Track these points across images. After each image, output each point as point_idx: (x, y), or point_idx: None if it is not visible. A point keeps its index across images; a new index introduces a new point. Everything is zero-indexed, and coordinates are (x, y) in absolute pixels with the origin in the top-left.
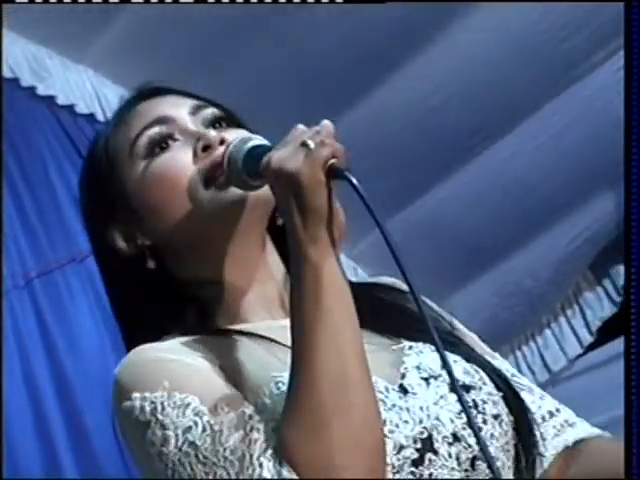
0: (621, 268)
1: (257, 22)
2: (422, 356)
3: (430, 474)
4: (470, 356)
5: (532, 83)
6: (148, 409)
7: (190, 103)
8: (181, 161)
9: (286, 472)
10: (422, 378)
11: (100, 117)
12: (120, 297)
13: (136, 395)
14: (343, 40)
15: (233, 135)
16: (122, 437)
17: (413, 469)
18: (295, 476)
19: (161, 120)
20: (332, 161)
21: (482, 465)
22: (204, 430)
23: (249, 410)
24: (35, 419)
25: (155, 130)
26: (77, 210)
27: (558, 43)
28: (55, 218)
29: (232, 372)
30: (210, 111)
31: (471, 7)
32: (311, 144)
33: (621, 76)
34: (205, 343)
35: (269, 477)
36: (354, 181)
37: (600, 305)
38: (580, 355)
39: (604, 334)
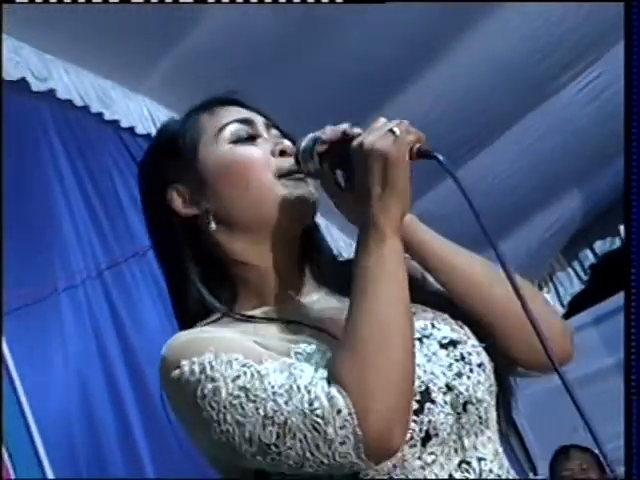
0: (587, 252)
1: (291, 42)
2: (417, 315)
3: (429, 420)
4: (456, 313)
5: (512, 100)
6: (197, 369)
7: (262, 119)
8: (264, 154)
9: (335, 391)
10: (416, 339)
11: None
12: (166, 257)
13: (184, 362)
14: (358, 61)
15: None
16: (173, 407)
17: (415, 417)
18: (343, 394)
19: (248, 121)
20: (418, 145)
21: (472, 408)
22: (252, 376)
23: (290, 360)
24: (109, 388)
25: (243, 126)
26: (137, 205)
27: (534, 65)
28: (121, 220)
29: (267, 340)
30: (275, 132)
31: (456, 42)
32: (397, 131)
33: (584, 93)
34: (234, 325)
35: (322, 396)
36: (442, 159)
37: (570, 283)
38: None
39: (573, 307)
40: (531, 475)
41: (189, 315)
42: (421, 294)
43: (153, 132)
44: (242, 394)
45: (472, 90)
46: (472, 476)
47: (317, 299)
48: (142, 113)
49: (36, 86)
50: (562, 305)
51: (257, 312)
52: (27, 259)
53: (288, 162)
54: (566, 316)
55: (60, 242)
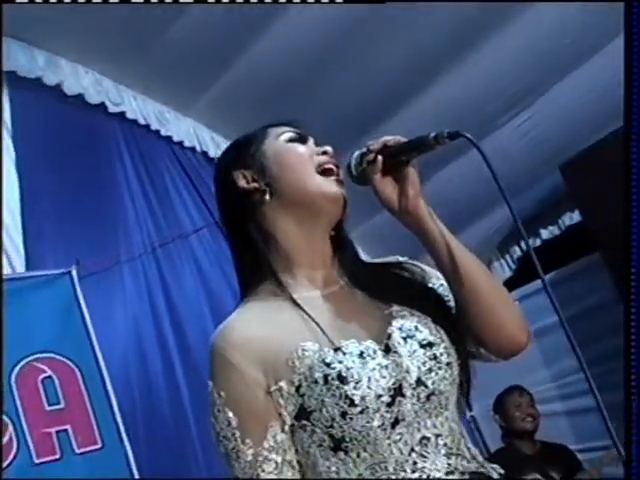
0: (516, 248)
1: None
2: (405, 319)
3: (399, 410)
4: (436, 316)
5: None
6: (212, 391)
7: (312, 139)
8: (309, 152)
9: None
10: (402, 337)
11: (197, 149)
12: (231, 228)
13: (210, 380)
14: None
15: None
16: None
17: (387, 409)
18: None
19: (300, 134)
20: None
21: (434, 398)
22: (231, 448)
23: (260, 461)
24: (158, 339)
25: (297, 135)
26: (182, 199)
27: (485, 106)
28: (170, 210)
29: (279, 334)
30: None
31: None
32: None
33: (519, 130)
34: (266, 307)
35: None
36: (470, 137)
37: (502, 270)
38: None
39: None
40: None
41: (243, 282)
42: (414, 299)
43: (197, 146)
44: (222, 443)
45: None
46: (430, 449)
47: (336, 289)
48: (189, 131)
49: (111, 109)
50: None
51: (293, 295)
52: (99, 237)
53: (329, 160)
54: None
55: (124, 225)
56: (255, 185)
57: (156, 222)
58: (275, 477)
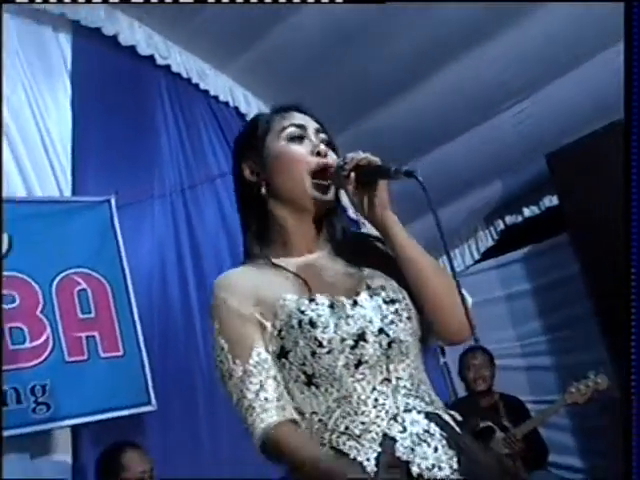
0: (499, 221)
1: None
2: (373, 280)
3: (361, 353)
4: (400, 280)
5: (472, 114)
6: (212, 323)
7: (315, 125)
8: (304, 152)
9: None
10: (369, 295)
11: (231, 104)
12: (240, 204)
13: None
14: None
15: (331, 154)
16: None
17: (350, 350)
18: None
19: (302, 126)
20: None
21: (395, 345)
22: (224, 368)
23: (247, 378)
24: (179, 268)
25: (297, 130)
26: (212, 146)
27: (491, 96)
28: (200, 155)
29: (265, 287)
30: (323, 136)
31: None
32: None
33: (515, 118)
34: (261, 268)
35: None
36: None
37: (486, 239)
38: (476, 262)
39: (485, 255)
40: (441, 358)
41: (247, 247)
42: (383, 265)
43: (230, 101)
44: (217, 367)
45: (449, 111)
46: (389, 389)
47: (318, 257)
48: (225, 88)
49: (159, 61)
50: (479, 253)
51: (280, 261)
52: (136, 173)
53: (321, 161)
54: (481, 259)
55: (159, 164)
56: (256, 178)
57: (187, 165)
58: (259, 388)
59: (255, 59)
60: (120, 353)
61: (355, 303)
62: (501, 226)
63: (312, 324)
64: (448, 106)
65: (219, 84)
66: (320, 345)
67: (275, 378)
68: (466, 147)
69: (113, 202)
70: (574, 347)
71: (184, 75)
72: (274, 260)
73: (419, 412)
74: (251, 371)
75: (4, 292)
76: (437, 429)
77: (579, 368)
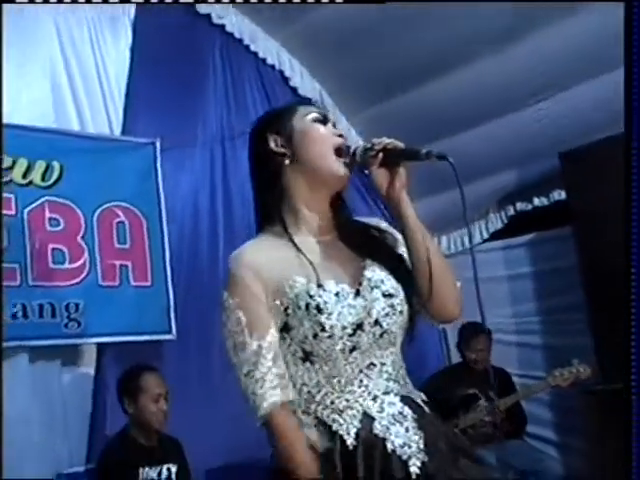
0: (510, 207)
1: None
2: (375, 272)
3: (357, 341)
4: (398, 275)
5: (499, 106)
6: (225, 298)
7: (332, 119)
8: (328, 132)
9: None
10: (370, 286)
11: (276, 67)
12: (257, 176)
13: (227, 284)
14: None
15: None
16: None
17: (348, 338)
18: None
19: (324, 115)
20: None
21: (386, 335)
22: (237, 340)
23: (262, 352)
24: (210, 216)
25: (320, 116)
26: (254, 102)
27: (516, 91)
28: (243, 110)
29: (277, 266)
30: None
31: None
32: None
33: (538, 114)
34: (273, 243)
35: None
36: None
37: (496, 221)
38: (484, 241)
39: (493, 236)
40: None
41: (261, 220)
42: (383, 258)
43: (276, 64)
44: (231, 337)
45: (474, 100)
46: (374, 372)
47: (327, 240)
48: (273, 52)
49: (215, 20)
50: (488, 233)
51: (294, 237)
52: (183, 121)
53: (343, 143)
54: (489, 240)
55: (204, 115)
56: (282, 150)
57: (229, 119)
58: (272, 364)
59: (302, 29)
60: (148, 283)
61: (357, 293)
62: (511, 211)
63: (319, 309)
64: (473, 95)
65: (268, 48)
66: (323, 330)
67: (284, 358)
68: (487, 136)
69: (158, 145)
70: (563, 331)
71: (237, 35)
72: (291, 233)
73: (396, 395)
74: (267, 348)
75: (51, 215)
76: (410, 412)
77: (565, 351)
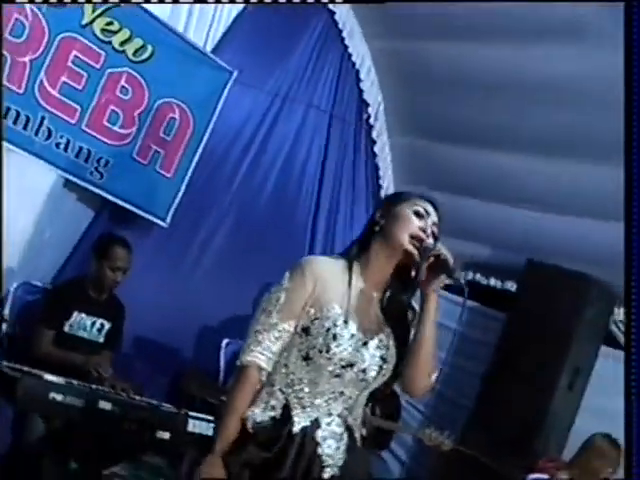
0: (470, 272)
1: None
2: (386, 340)
3: (343, 373)
4: (399, 347)
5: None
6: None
7: (435, 219)
8: (417, 224)
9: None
10: (376, 346)
11: (356, 66)
12: (366, 227)
13: (289, 274)
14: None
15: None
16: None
17: (339, 367)
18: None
19: (427, 210)
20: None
21: (364, 382)
22: (270, 316)
23: (281, 327)
24: (247, 142)
25: (422, 211)
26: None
27: None
28: (312, 85)
29: (332, 287)
30: (435, 229)
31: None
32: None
33: None
34: (341, 270)
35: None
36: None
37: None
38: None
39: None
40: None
41: (349, 250)
42: (401, 337)
43: (357, 63)
44: (266, 301)
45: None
46: (341, 398)
47: (374, 294)
48: (360, 53)
49: (330, 6)
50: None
51: (356, 276)
52: (261, 67)
53: (420, 234)
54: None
55: (280, 71)
56: (380, 221)
57: (300, 84)
58: (274, 339)
59: (398, 52)
60: (170, 175)
61: (365, 344)
62: (470, 277)
63: (334, 336)
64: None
65: (358, 47)
66: (328, 351)
67: (292, 350)
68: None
69: (234, 75)
70: (459, 392)
71: (339, 25)
72: (354, 274)
73: (344, 421)
74: (282, 329)
75: (124, 84)
76: (346, 437)
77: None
